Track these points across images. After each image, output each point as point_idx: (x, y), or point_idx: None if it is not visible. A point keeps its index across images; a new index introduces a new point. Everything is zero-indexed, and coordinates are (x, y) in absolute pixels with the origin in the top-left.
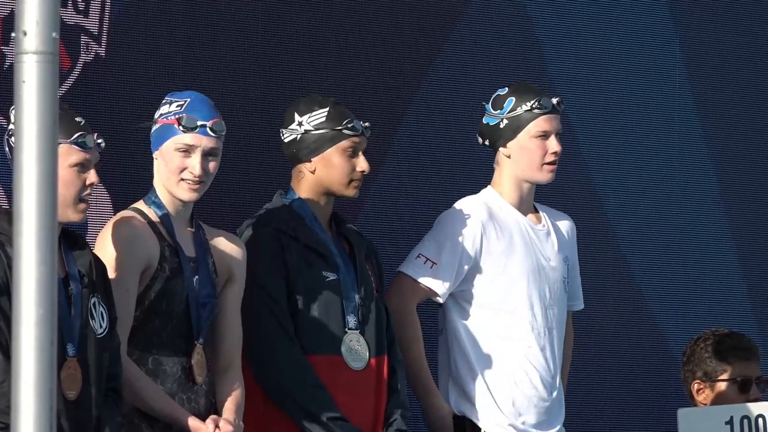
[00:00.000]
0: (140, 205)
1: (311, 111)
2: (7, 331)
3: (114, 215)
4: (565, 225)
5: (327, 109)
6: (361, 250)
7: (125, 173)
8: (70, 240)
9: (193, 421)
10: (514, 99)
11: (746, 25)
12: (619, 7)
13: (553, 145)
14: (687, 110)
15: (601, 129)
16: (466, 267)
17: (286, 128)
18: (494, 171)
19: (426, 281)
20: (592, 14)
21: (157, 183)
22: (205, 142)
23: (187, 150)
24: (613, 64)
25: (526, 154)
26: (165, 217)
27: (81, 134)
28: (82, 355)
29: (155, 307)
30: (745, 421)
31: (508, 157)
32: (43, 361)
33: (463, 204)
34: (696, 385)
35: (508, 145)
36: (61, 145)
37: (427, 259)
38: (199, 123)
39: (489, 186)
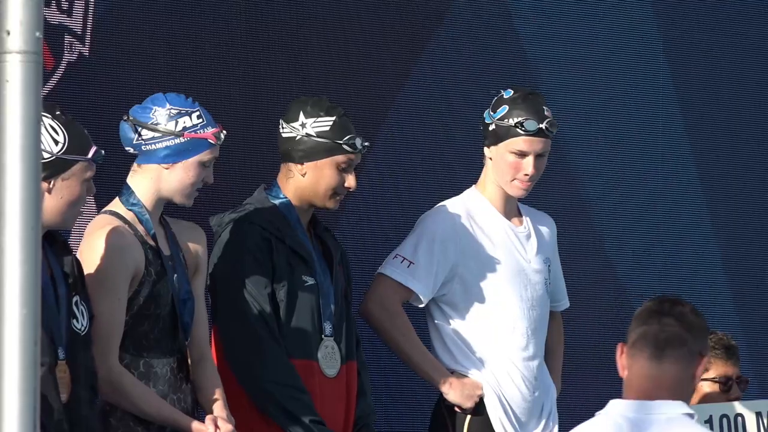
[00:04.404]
0: (118, 207)
1: (317, 116)
2: None
3: (97, 213)
4: (547, 226)
5: (333, 119)
6: (337, 255)
7: (109, 172)
8: (50, 240)
9: (197, 426)
10: (507, 108)
11: (730, 24)
12: (603, 7)
13: (528, 166)
14: (671, 110)
15: (585, 128)
16: (444, 269)
17: (288, 123)
18: (482, 169)
19: (403, 280)
20: (576, 13)
21: (146, 187)
22: (217, 152)
23: (211, 161)
24: (596, 62)
25: (501, 165)
26: (146, 221)
27: (96, 150)
28: (71, 357)
29: (144, 310)
30: (725, 420)
31: (490, 159)
32: (27, 361)
33: (442, 206)
34: None
35: (491, 148)
36: (79, 163)
37: (404, 258)
38: (223, 135)
39: (473, 186)
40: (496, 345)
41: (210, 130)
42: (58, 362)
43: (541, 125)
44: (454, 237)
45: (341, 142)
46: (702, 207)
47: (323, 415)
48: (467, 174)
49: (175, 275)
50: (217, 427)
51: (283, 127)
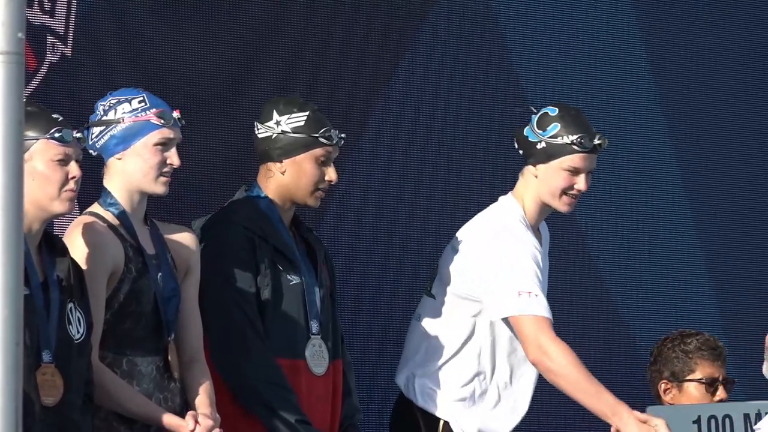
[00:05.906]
0: (97, 209)
1: (291, 113)
2: None
3: (80, 215)
4: (546, 234)
5: (307, 113)
6: (321, 254)
7: (91, 174)
8: (50, 244)
9: (168, 418)
10: (559, 126)
11: (710, 26)
12: (584, 8)
13: (581, 183)
14: (653, 112)
15: None
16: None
17: (262, 124)
18: (518, 180)
19: (539, 311)
20: (558, 14)
21: (117, 184)
22: (178, 133)
23: (167, 143)
24: (579, 65)
25: (552, 181)
26: (124, 219)
27: (57, 129)
28: (61, 362)
29: (125, 308)
30: (712, 420)
31: (536, 176)
32: (9, 362)
33: (511, 224)
34: (663, 385)
35: (538, 166)
36: (38, 141)
37: (529, 292)
38: (175, 116)
39: (511, 196)
40: (511, 356)
41: (152, 111)
42: (42, 365)
43: (596, 141)
44: (533, 252)
45: (317, 135)
46: (686, 211)
47: (310, 414)
48: (450, 174)
49: (160, 273)
50: (197, 422)
51: (258, 129)
